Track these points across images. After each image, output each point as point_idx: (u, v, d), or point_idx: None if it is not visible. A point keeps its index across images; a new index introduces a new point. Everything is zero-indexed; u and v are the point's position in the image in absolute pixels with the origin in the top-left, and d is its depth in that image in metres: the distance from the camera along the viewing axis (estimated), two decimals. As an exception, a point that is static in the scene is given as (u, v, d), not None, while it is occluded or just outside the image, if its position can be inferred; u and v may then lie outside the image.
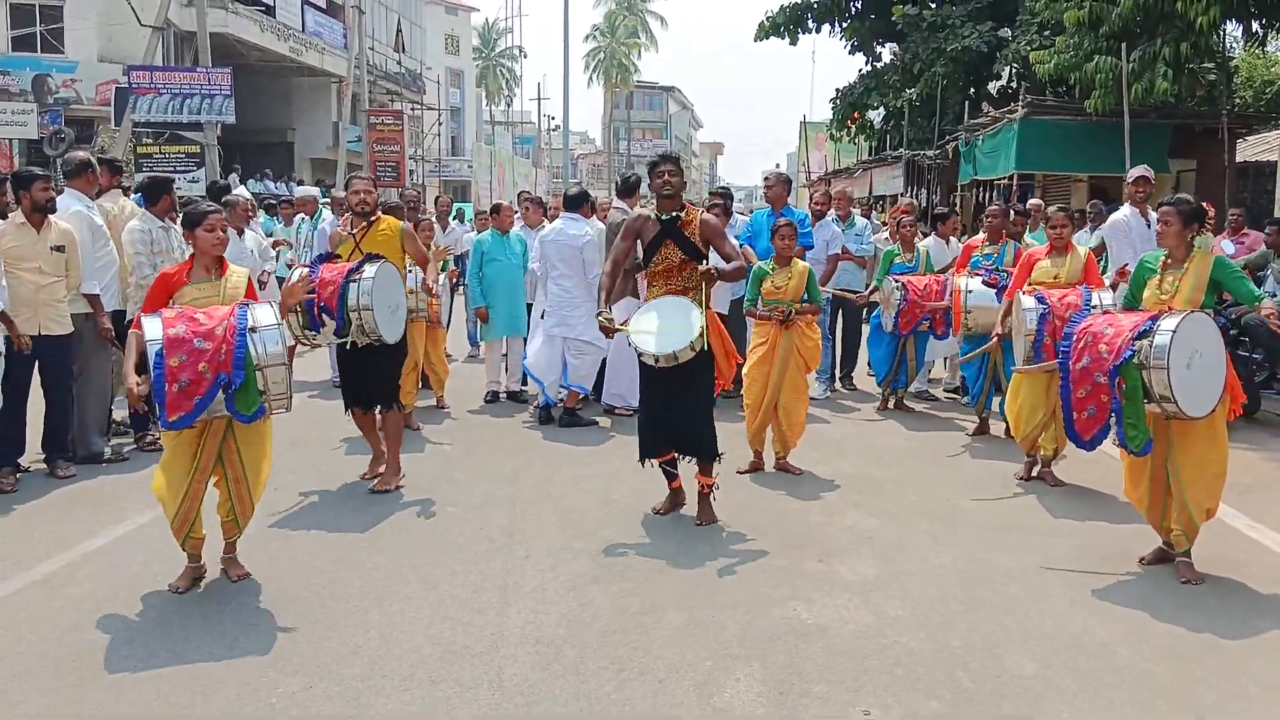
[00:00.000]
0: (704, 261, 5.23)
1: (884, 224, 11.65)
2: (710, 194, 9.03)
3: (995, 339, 6.37)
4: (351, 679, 3.53)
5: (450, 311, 10.04)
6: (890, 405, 8.35)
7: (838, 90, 23.78)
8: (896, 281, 7.90)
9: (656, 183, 5.26)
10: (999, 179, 16.82)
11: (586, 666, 3.64)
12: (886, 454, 6.93)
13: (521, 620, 4.02)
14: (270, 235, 10.12)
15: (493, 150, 41.80)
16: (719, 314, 5.92)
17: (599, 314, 5.27)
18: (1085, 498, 5.86)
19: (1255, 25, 14.38)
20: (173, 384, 3.94)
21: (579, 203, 7.91)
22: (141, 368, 4.10)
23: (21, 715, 3.31)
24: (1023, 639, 3.89)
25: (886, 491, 5.95)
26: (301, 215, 10.36)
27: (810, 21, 22.66)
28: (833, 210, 8.99)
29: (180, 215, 4.91)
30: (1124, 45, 13.28)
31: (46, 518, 5.34)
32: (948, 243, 8.79)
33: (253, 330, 4.14)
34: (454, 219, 13.47)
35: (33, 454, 6.20)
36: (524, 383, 8.62)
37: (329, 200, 11.65)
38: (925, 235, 9.11)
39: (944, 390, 9.12)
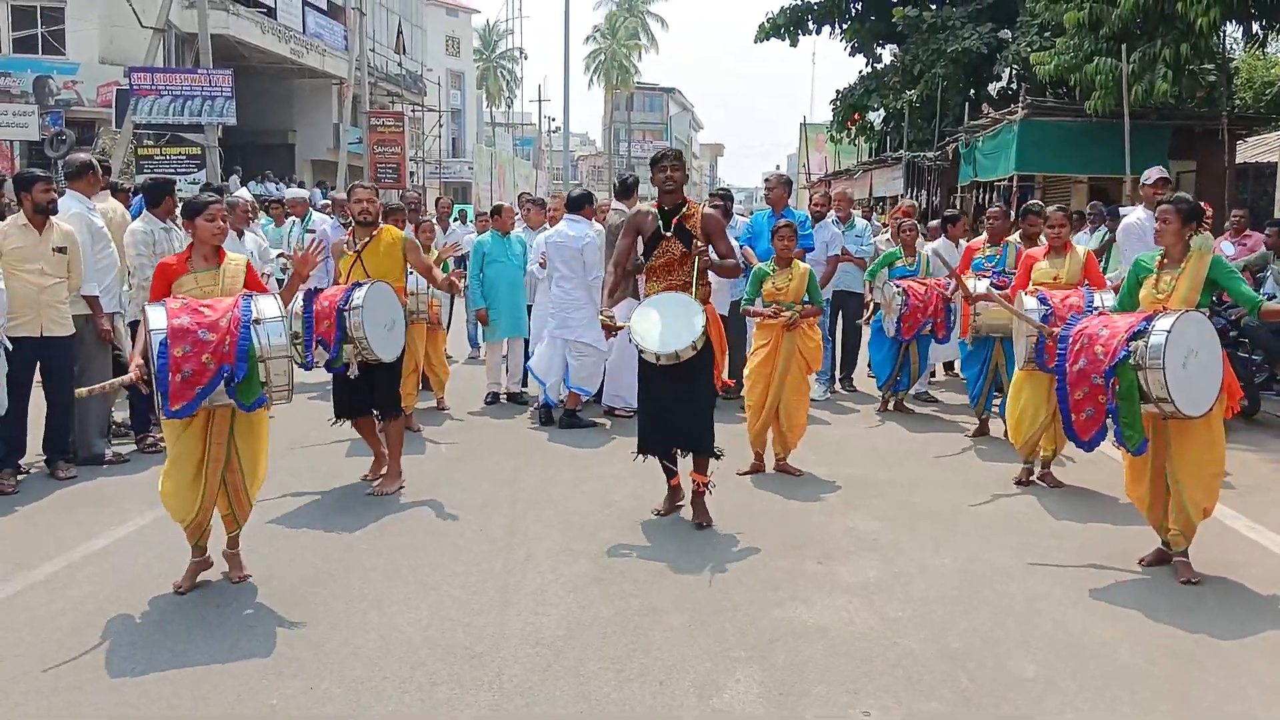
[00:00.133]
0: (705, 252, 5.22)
1: (884, 225, 11.65)
2: (710, 195, 9.04)
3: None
4: (352, 680, 3.54)
5: (450, 313, 10.05)
6: (890, 407, 8.35)
7: (838, 92, 23.88)
8: (898, 287, 7.89)
9: (659, 177, 5.26)
10: (999, 180, 16.84)
11: (586, 667, 3.64)
12: (887, 455, 6.93)
13: (521, 621, 4.02)
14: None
15: (493, 152, 41.90)
16: (720, 315, 5.92)
17: (601, 313, 5.28)
18: (1086, 499, 5.85)
19: (1255, 26, 14.39)
20: (176, 374, 3.95)
21: (581, 204, 7.90)
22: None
23: (22, 717, 3.31)
24: (1023, 640, 3.89)
25: (887, 493, 5.94)
26: (293, 218, 10.38)
27: (810, 23, 22.76)
28: (833, 212, 9.00)
29: (180, 206, 4.90)
30: (1124, 46, 13.29)
31: (47, 519, 5.34)
32: (957, 245, 8.76)
33: (257, 322, 4.14)
34: (455, 220, 13.51)
35: (34, 455, 6.21)
36: (524, 384, 8.63)
37: (329, 201, 11.68)
38: (923, 237, 9.10)
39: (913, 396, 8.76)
